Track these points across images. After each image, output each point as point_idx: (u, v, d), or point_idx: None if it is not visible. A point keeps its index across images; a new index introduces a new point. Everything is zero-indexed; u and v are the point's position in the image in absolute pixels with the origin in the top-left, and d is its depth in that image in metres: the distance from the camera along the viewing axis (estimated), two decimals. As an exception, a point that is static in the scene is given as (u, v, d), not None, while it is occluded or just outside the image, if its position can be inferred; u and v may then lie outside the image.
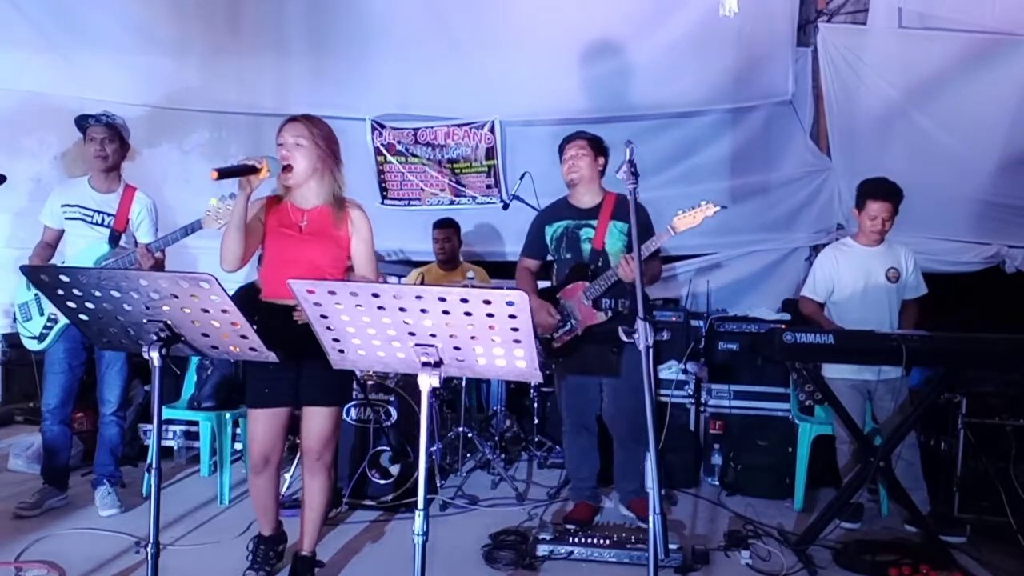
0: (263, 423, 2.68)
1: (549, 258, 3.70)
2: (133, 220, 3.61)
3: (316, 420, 2.70)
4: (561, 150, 3.58)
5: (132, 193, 3.63)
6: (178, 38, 5.06)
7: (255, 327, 2.04)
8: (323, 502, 2.77)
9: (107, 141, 3.54)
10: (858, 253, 3.70)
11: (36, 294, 3.52)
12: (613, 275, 3.34)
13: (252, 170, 2.49)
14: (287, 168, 2.60)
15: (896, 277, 3.65)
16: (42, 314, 3.53)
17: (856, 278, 3.67)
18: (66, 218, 3.54)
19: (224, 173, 2.43)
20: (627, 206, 2.36)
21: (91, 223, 3.53)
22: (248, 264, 2.73)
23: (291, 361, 2.23)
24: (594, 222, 3.49)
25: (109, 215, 3.56)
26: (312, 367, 2.55)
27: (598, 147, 3.53)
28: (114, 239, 3.55)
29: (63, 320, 3.45)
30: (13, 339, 3.71)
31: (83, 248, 3.51)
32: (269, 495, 2.81)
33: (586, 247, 3.49)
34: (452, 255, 5.10)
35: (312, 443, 2.71)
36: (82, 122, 3.58)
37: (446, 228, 5.09)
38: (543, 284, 3.72)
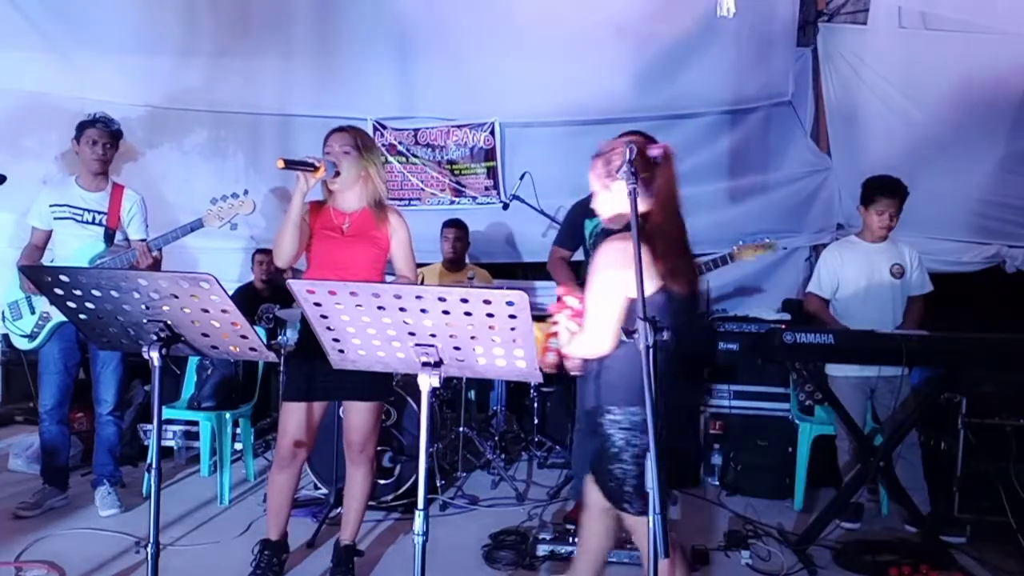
0: (295, 416, 2.75)
1: (578, 257, 3.59)
2: (124, 217, 3.60)
3: (356, 415, 2.81)
4: None
5: (121, 191, 3.63)
6: (181, 39, 5.06)
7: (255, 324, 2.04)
8: (364, 492, 2.89)
9: (109, 147, 3.57)
10: (863, 250, 3.71)
11: (27, 293, 3.52)
12: None
13: (312, 168, 2.61)
14: (336, 173, 2.70)
15: (900, 273, 3.65)
16: (33, 312, 3.52)
17: (860, 275, 3.67)
18: (55, 218, 3.53)
19: (290, 164, 2.54)
20: None
21: (82, 222, 3.53)
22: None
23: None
24: None
25: (101, 213, 3.55)
26: None
27: None
28: (109, 237, 3.55)
29: (56, 319, 3.46)
30: (14, 339, 3.69)
31: (77, 247, 3.50)
32: (286, 495, 2.86)
33: None
34: (461, 255, 5.03)
35: (354, 436, 2.82)
36: (88, 125, 3.56)
37: (458, 227, 4.96)
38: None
